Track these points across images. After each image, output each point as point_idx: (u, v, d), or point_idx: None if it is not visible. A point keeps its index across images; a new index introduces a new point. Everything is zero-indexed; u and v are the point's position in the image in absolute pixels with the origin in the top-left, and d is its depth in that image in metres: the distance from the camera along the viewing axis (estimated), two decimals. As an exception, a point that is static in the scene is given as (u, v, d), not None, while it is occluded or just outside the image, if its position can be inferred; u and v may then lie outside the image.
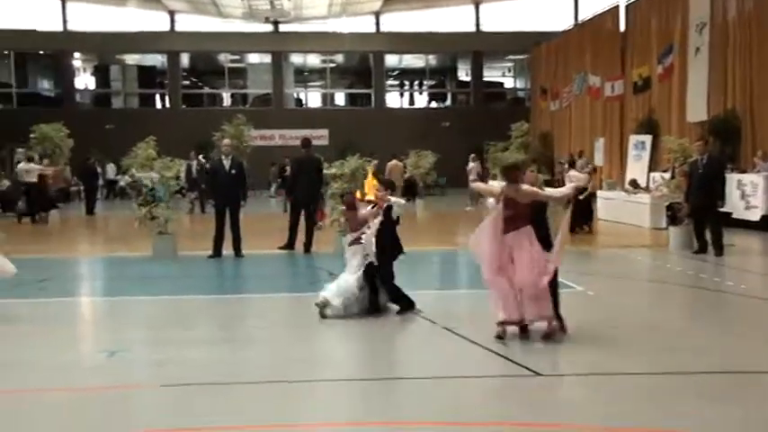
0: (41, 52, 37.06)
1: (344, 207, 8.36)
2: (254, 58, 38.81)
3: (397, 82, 41.67)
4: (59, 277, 11.05)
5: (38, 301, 9.15)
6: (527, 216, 6.70)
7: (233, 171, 12.64)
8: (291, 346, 6.93)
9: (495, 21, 36.96)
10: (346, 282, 7.88)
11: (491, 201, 7.28)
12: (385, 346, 6.99)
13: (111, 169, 30.34)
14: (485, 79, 39.33)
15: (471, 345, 6.63)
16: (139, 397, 5.54)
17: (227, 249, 12.46)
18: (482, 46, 37.12)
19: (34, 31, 34.16)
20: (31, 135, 22.67)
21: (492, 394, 5.54)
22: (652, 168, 20.41)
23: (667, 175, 14.80)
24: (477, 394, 5.52)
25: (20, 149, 32.37)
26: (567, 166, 18.86)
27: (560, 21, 33.45)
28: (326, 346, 7.20)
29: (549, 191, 7.26)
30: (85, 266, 12.88)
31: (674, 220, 13.32)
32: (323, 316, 7.67)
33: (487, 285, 6.88)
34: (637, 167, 21.31)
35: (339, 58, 39.51)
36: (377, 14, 37.00)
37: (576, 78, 27.35)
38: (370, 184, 18.69)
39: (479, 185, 7.02)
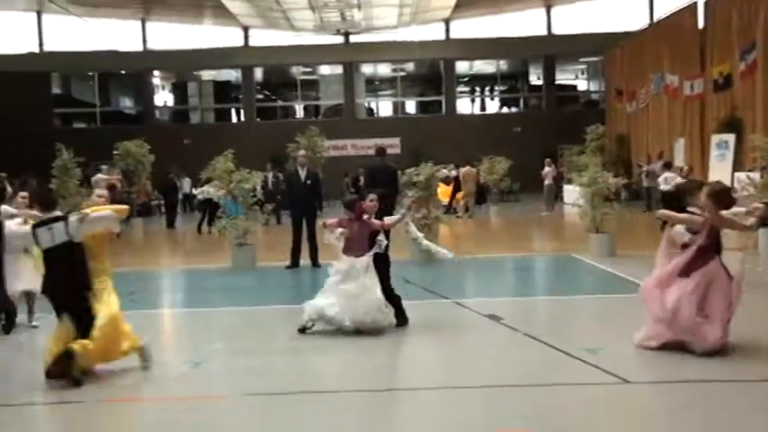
0: (123, 72, 38.37)
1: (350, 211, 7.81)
2: (325, 69, 39.27)
3: (467, 88, 41.49)
4: (146, 290, 11.35)
5: (130, 313, 9.41)
6: (718, 243, 6.35)
7: (308, 182, 12.78)
8: (372, 354, 6.93)
9: (567, 23, 36.44)
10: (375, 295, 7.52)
11: (680, 229, 6.58)
12: (469, 354, 6.90)
13: (186, 183, 31.09)
14: (557, 82, 38.80)
15: (556, 352, 6.50)
16: (223, 407, 5.62)
17: (305, 260, 12.58)
18: (554, 49, 36.64)
19: (116, 51, 35.40)
20: (115, 152, 23.49)
21: (580, 402, 5.41)
22: (736, 168, 19.72)
23: (755, 175, 14.24)
24: (567, 402, 5.40)
25: (104, 166, 33.66)
26: (660, 166, 18.50)
27: (635, 20, 32.76)
28: (407, 354, 7.18)
29: (739, 218, 6.66)
30: (169, 279, 13.19)
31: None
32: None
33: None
34: (720, 168, 20.62)
35: (409, 66, 39.61)
36: (446, 21, 36.95)
37: (654, 78, 26.69)
38: (445, 193, 18.68)
39: (678, 216, 6.23)
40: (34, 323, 8.44)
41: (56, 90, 37.49)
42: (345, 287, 7.48)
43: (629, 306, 8.72)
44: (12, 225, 8.15)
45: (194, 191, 20.39)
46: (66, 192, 12.85)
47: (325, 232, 7.94)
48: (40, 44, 35.57)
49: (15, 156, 28.49)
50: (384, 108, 41.44)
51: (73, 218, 6.44)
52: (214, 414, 5.45)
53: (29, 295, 8.45)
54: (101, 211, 6.84)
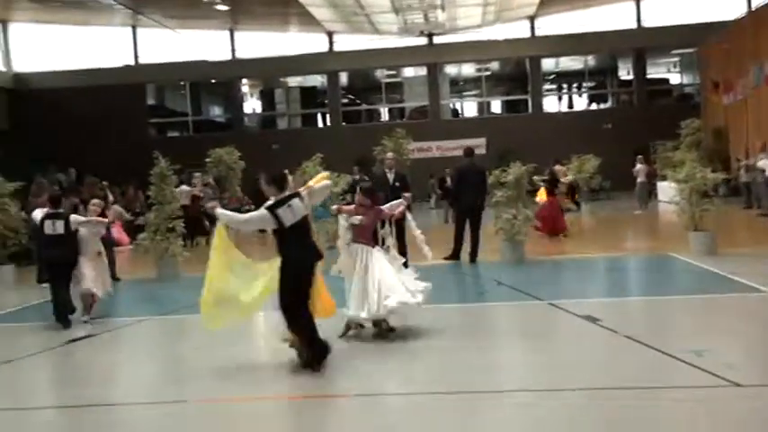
0: (213, 81, 39.42)
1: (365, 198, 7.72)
2: (409, 71, 39.32)
3: (554, 86, 40.79)
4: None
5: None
6: None
7: (397, 184, 12.78)
8: (467, 355, 6.85)
9: (658, 15, 35.33)
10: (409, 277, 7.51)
11: None
12: (568, 356, 6.73)
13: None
14: (648, 77, 37.68)
15: (659, 354, 6.27)
16: (335, 406, 5.65)
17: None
18: (644, 42, 35.60)
19: (206, 61, 36.40)
20: (207, 159, 24.10)
21: (688, 406, 5.19)
22: None
23: None
24: (674, 405, 5.20)
25: (196, 173, 34.61)
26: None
27: (731, 9, 31.46)
28: (505, 355, 7.04)
29: None
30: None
31: None
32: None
33: None
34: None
35: (494, 65, 39.23)
36: (531, 19, 36.42)
37: (753, 69, 25.56)
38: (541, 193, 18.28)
39: None
40: (84, 319, 9.27)
41: (150, 101, 38.81)
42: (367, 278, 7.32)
43: (734, 305, 8.38)
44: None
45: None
46: (162, 198, 13.22)
47: (339, 218, 7.84)
48: (136, 57, 36.92)
49: (115, 165, 29.67)
50: (469, 108, 41.17)
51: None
52: (321, 412, 5.48)
53: (88, 296, 9.32)
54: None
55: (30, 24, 36.12)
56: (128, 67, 36.60)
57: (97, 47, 35.99)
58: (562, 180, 18.44)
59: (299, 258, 6.44)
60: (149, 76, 37.18)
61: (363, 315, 7.30)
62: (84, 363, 7.63)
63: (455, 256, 13.11)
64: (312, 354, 6.34)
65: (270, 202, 6.50)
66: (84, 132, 33.55)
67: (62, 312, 9.09)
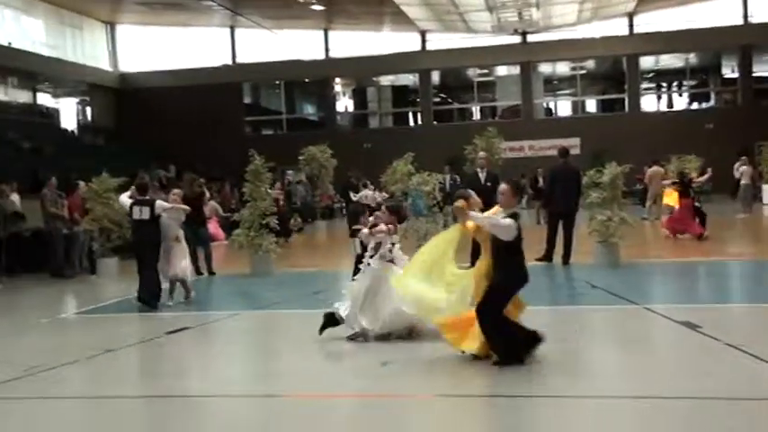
0: (306, 80, 40.05)
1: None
2: (502, 70, 38.90)
3: (653, 84, 39.52)
4: (331, 289, 11.71)
5: (317, 312, 9.76)
6: None
7: (488, 183, 12.66)
8: (561, 359, 6.71)
9: (767, 10, 33.72)
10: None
11: None
12: (667, 363, 6.49)
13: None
14: (755, 74, 36.01)
15: (765, 364, 5.97)
16: (416, 406, 5.64)
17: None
18: (751, 38, 34.06)
19: (300, 60, 37.02)
20: (300, 157, 24.51)
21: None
22: None
23: None
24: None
25: (289, 171, 35.27)
26: None
27: None
28: (601, 360, 6.84)
29: None
30: (349, 279, 13.49)
31: None
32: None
33: None
34: None
35: (590, 64, 38.34)
36: (630, 15, 35.40)
37: None
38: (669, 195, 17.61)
39: None
40: (170, 303, 10.14)
41: (246, 99, 39.76)
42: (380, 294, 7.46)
43: None
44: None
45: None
46: (258, 195, 13.51)
47: (361, 238, 7.99)
48: (233, 57, 37.88)
49: (211, 162, 30.54)
50: (563, 108, 40.38)
51: None
52: (404, 412, 5.50)
53: (175, 281, 10.26)
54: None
55: (135, 26, 37.61)
56: (226, 66, 37.59)
57: (197, 47, 37.14)
58: (696, 180, 17.62)
59: (526, 272, 6.51)
60: (246, 75, 38.08)
61: (376, 329, 7.44)
62: (179, 354, 7.87)
63: (547, 257, 12.89)
64: (522, 346, 6.34)
65: (509, 212, 6.55)
66: (183, 130, 34.66)
67: (146, 294, 9.93)
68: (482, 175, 12.74)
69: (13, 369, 6.87)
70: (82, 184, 14.89)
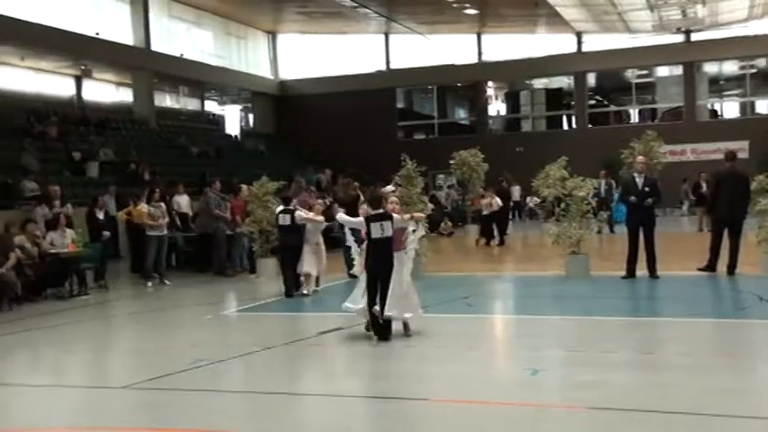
0: (459, 84, 40.07)
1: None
2: (663, 70, 37.21)
3: (833, 83, 36.45)
4: (480, 294, 11.69)
5: (465, 318, 9.78)
6: None
7: (646, 189, 12.20)
8: (715, 375, 6.34)
9: None
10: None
11: None
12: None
13: (516, 191, 31.41)
14: None
15: None
16: (567, 418, 5.52)
17: (641, 270, 12.01)
18: None
19: (453, 65, 37.11)
20: (451, 161, 24.55)
21: None
22: None
23: None
24: None
25: (440, 175, 35.45)
26: None
27: None
28: (753, 376, 6.42)
29: None
30: (502, 285, 13.43)
31: None
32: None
33: None
34: None
35: (761, 62, 35.89)
36: (808, 9, 32.83)
37: None
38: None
39: None
40: (304, 291, 11.79)
41: (399, 104, 40.32)
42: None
43: None
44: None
45: (528, 201, 20.40)
46: (409, 199, 13.66)
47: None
48: (387, 62, 38.55)
49: (366, 166, 31.22)
50: (729, 109, 38.06)
51: None
52: (555, 424, 5.39)
53: (305, 275, 11.80)
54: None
55: (294, 35, 39.12)
56: (380, 72, 38.33)
57: (352, 54, 38.12)
58: None
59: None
60: (399, 80, 38.63)
61: (395, 314, 7.95)
62: (331, 354, 8.10)
63: (711, 267, 12.22)
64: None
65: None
66: (338, 135, 35.65)
67: (289, 288, 11.70)
68: (639, 180, 12.26)
69: (180, 361, 7.34)
70: (244, 187, 15.65)
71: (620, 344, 7.78)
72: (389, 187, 13.78)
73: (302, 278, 11.93)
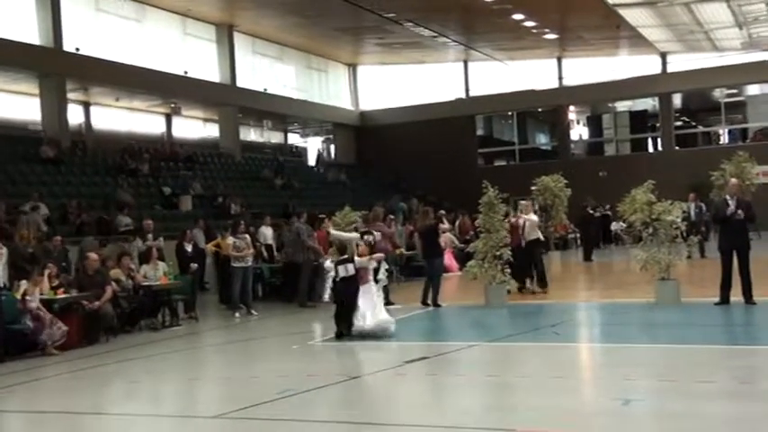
0: (539, 109, 39.77)
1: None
2: (754, 89, 35.96)
3: None
4: (568, 322, 11.47)
5: (553, 346, 9.62)
6: None
7: (739, 212, 11.76)
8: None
9: None
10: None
11: None
12: None
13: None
14: None
15: None
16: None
17: (736, 296, 11.55)
18: None
19: (533, 90, 36.86)
20: (533, 187, 24.28)
21: None
22: None
23: None
24: None
25: (522, 201, 35.05)
26: None
27: None
28: None
29: None
30: (589, 312, 13.15)
31: None
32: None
33: None
34: None
35: None
36: None
37: None
38: None
39: None
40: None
41: (479, 131, 40.25)
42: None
43: None
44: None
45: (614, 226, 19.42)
46: (491, 227, 13.57)
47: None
48: (467, 90, 38.60)
49: (449, 194, 31.24)
50: (826, 126, 36.46)
51: None
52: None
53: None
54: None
55: (373, 66, 39.68)
56: (459, 100, 38.40)
57: (432, 82, 38.35)
58: None
59: None
60: (479, 107, 38.60)
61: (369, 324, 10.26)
62: (417, 383, 8.08)
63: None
64: None
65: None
66: (419, 164, 35.78)
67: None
68: (732, 203, 11.83)
69: (269, 390, 7.47)
70: (327, 219, 15.84)
71: (718, 373, 7.49)
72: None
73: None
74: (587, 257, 23.75)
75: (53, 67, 23.63)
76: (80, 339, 11.32)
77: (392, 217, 21.12)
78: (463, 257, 18.64)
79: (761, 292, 11.59)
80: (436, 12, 28.26)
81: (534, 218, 15.74)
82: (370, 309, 10.34)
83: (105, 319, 11.82)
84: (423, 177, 34.94)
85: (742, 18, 28.66)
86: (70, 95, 25.74)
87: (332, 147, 41.01)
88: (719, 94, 36.05)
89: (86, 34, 25.21)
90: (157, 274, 13.41)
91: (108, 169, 23.72)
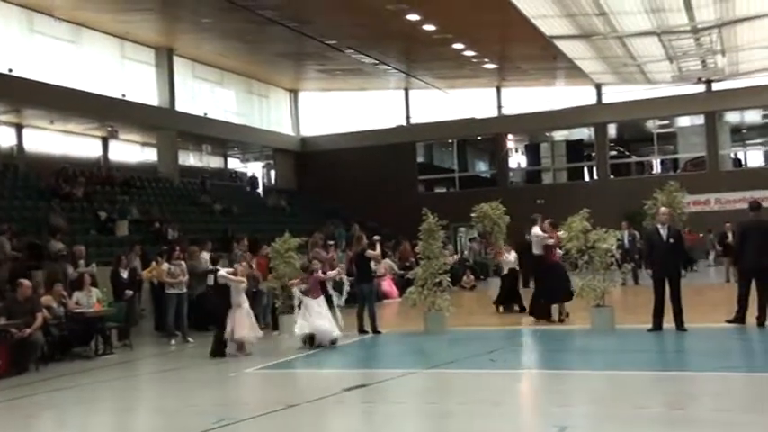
0: (479, 138, 40.36)
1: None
2: (684, 120, 37.22)
3: None
4: (504, 349, 11.56)
5: (489, 373, 9.66)
6: None
7: (671, 240, 12.09)
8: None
9: None
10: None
11: None
12: None
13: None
14: None
15: None
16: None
17: (668, 322, 11.84)
18: None
19: (473, 119, 37.43)
20: (472, 214, 24.53)
21: None
22: None
23: None
24: None
25: (461, 228, 35.37)
26: None
27: None
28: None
29: None
30: (525, 339, 13.27)
31: None
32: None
33: None
34: None
35: (784, 110, 35.82)
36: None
37: None
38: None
39: None
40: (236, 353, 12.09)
41: (420, 158, 40.57)
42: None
43: None
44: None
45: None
46: (431, 253, 13.66)
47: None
48: (407, 117, 38.95)
49: (387, 220, 31.32)
50: (753, 158, 37.92)
51: None
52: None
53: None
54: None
55: (315, 92, 39.76)
56: (400, 127, 38.70)
57: (373, 110, 38.60)
58: None
59: None
60: (420, 135, 38.95)
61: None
62: (355, 412, 8.02)
63: (740, 319, 12.01)
64: None
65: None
66: (360, 190, 35.83)
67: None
68: (663, 232, 12.16)
69: (205, 420, 7.30)
70: (266, 246, 15.71)
71: (651, 399, 7.63)
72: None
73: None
74: (526, 284, 24.02)
75: (-17, 88, 23.00)
76: (8, 368, 10.93)
77: (331, 243, 21.07)
78: (403, 284, 18.68)
79: (691, 319, 11.91)
80: (377, 40, 28.52)
81: (541, 233, 14.78)
82: (317, 318, 12.07)
83: (35, 348, 11.43)
84: (363, 203, 34.96)
85: (672, 52, 29.68)
86: (1, 117, 25.06)
87: (272, 172, 40.78)
88: (652, 125, 37.19)
89: (20, 55, 24.64)
90: (90, 300, 13.06)
91: (41, 193, 23.08)
